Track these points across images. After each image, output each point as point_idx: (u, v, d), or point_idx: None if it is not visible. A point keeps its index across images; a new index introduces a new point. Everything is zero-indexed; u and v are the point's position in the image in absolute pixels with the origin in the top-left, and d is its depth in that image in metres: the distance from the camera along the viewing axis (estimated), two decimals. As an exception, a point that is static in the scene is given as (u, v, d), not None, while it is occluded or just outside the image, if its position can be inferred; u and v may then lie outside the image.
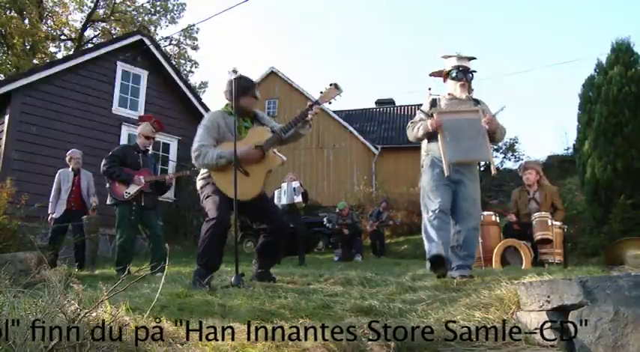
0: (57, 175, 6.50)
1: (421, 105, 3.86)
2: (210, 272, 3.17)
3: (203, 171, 3.46)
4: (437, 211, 3.38)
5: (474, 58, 3.68)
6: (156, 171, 5.39)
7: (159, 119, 5.43)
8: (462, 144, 3.44)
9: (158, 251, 5.03)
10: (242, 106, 3.42)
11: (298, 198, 7.50)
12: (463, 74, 3.58)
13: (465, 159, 3.47)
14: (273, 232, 3.47)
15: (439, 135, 3.49)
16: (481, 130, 3.44)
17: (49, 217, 6.38)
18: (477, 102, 3.64)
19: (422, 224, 3.55)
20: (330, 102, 3.41)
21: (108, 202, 5.12)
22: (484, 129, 3.43)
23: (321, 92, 3.39)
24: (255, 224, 3.64)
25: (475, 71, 3.66)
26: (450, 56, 3.69)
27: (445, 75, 3.67)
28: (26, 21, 19.50)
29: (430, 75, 3.79)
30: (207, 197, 3.34)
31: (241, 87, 3.40)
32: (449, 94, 3.64)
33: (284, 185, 7.64)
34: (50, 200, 6.40)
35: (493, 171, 3.73)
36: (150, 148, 5.53)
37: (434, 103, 3.66)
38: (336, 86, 3.37)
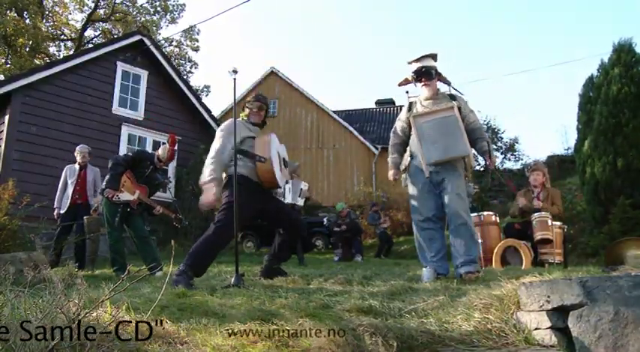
0: (64, 171, 6.55)
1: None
2: (194, 277, 3.18)
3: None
4: (423, 221, 3.54)
5: (431, 55, 3.68)
6: (158, 180, 5.36)
7: (172, 151, 5.24)
8: (438, 143, 3.48)
9: (147, 251, 5.03)
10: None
11: (300, 202, 7.48)
12: (421, 74, 3.65)
13: (444, 158, 3.48)
14: (292, 233, 3.65)
15: (415, 139, 3.57)
16: (456, 127, 3.46)
17: (55, 212, 6.44)
18: (452, 98, 3.67)
19: (413, 226, 3.68)
20: None
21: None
22: (459, 124, 3.46)
23: None
24: (275, 227, 3.73)
25: (432, 67, 3.64)
26: (410, 62, 3.75)
27: (413, 80, 3.75)
28: (27, 20, 19.46)
29: (399, 85, 3.88)
30: (228, 204, 3.31)
31: None
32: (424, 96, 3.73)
33: (290, 181, 7.45)
34: (57, 194, 6.45)
35: (472, 164, 3.72)
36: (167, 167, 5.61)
37: (410, 108, 3.76)
38: None
